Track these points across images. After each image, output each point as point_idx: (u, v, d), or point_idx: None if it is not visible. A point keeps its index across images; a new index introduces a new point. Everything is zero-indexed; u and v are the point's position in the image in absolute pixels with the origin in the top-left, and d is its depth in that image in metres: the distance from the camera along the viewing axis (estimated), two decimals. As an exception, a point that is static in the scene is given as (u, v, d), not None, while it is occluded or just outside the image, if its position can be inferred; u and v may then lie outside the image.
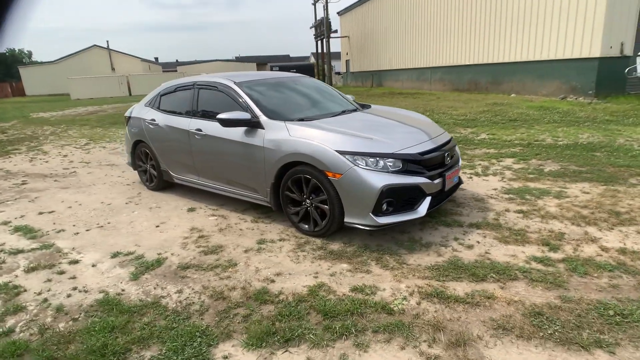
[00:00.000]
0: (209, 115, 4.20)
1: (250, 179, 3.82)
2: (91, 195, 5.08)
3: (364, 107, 4.53)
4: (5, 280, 3.00)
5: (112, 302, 2.63)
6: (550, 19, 12.18)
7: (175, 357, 2.09)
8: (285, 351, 2.13)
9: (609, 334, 2.10)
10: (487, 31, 15.08)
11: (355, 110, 4.28)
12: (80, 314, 2.54)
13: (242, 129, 3.79)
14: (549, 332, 2.14)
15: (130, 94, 33.19)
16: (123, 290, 2.79)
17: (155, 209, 4.46)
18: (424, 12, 19.46)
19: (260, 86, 4.18)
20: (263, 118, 3.69)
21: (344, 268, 2.92)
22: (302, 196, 3.44)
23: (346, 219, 3.18)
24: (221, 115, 3.68)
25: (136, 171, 5.45)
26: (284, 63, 35.09)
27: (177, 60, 77.97)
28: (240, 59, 65.20)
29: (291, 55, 76.72)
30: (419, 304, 2.46)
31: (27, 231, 3.95)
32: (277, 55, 74.98)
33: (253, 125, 3.69)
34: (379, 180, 3.02)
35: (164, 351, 2.15)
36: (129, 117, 5.29)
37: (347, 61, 31.69)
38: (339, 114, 4.06)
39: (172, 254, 3.30)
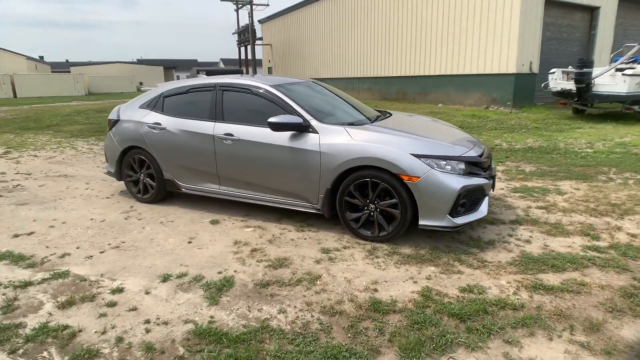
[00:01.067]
0: (242, 119, 3.85)
1: (299, 186, 3.59)
2: (69, 212, 4.25)
3: (385, 113, 4.58)
4: (40, 320, 2.37)
5: (211, 332, 2.24)
6: (471, 40, 13.71)
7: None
8: (448, 358, 2.05)
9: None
10: (415, 47, 16.35)
11: (390, 115, 4.32)
12: (180, 349, 2.12)
13: (287, 133, 3.56)
14: (656, 309, 2.41)
15: (15, 96, 28.51)
16: (212, 317, 2.40)
17: (169, 223, 3.92)
18: (352, 26, 20.34)
19: (294, 90, 3.97)
20: (314, 122, 3.51)
21: (434, 271, 2.92)
22: (365, 201, 3.35)
23: (421, 222, 3.18)
24: (273, 119, 3.41)
25: (122, 182, 4.73)
26: (211, 68, 33.41)
27: (67, 60, 69.65)
28: (143, 62, 60.64)
29: (199, 60, 73.76)
30: (531, 297, 2.57)
31: (15, 258, 3.16)
32: (184, 59, 71.48)
33: (303, 129, 3.49)
34: (457, 182, 3.09)
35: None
36: (116, 120, 4.58)
37: (269, 68, 31.57)
38: (384, 118, 4.09)
39: (235, 272, 2.94)
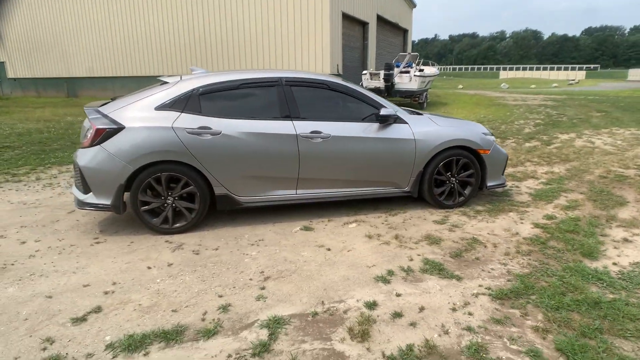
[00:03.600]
0: (323, 115, 3.78)
1: (391, 173, 3.94)
2: (138, 262, 3.00)
3: None
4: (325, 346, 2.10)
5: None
6: (300, 44, 15.27)
7: None
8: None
9: None
10: (239, 55, 16.53)
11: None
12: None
13: (375, 125, 3.85)
14: None
15: None
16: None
17: (273, 247, 3.44)
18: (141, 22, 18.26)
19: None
20: (401, 112, 3.94)
21: (515, 215, 4.04)
22: (448, 176, 4.09)
23: (489, 184, 4.21)
24: (384, 112, 3.68)
25: (127, 213, 3.53)
26: None
27: None
28: None
29: None
30: (565, 213, 4.07)
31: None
32: None
33: (397, 120, 3.87)
34: (503, 149, 4.30)
35: None
36: (115, 129, 3.39)
37: (1, 63, 23.95)
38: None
39: (423, 256, 3.18)
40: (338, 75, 15.36)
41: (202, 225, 3.75)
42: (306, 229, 3.72)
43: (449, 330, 2.23)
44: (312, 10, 14.62)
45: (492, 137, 4.26)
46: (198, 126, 3.50)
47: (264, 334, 2.21)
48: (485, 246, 3.31)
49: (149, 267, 2.99)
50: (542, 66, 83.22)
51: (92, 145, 3.38)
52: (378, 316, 2.36)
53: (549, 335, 2.17)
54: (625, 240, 3.38)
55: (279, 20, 15.12)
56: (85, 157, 3.39)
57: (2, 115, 12.35)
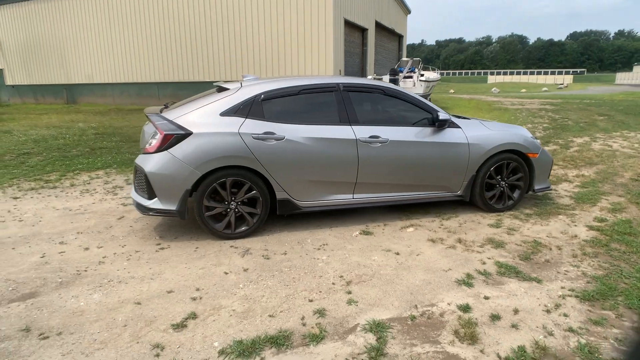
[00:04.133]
0: (379, 120, 3.86)
1: (445, 177, 3.99)
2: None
3: None
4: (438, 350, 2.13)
5: (586, 291, 2.69)
6: (303, 50, 15.32)
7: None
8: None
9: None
10: (242, 60, 16.51)
11: None
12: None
13: (429, 130, 3.91)
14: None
15: None
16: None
17: (340, 251, 3.46)
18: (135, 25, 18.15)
19: None
20: (453, 118, 4.01)
21: (565, 218, 4.12)
22: (498, 180, 4.16)
23: (536, 187, 4.29)
24: (443, 117, 3.77)
25: (187, 219, 3.52)
26: None
27: None
28: None
29: None
30: (613, 215, 4.17)
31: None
32: None
33: (451, 124, 3.94)
34: (549, 154, 4.39)
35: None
36: (183, 135, 3.39)
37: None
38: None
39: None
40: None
41: (261, 230, 3.75)
42: (365, 233, 3.74)
43: (553, 332, 2.27)
44: (315, 17, 14.72)
45: (538, 141, 4.35)
46: (263, 132, 3.52)
47: (371, 338, 2.23)
48: (550, 249, 3.37)
49: (226, 273, 2.98)
50: (529, 70, 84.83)
51: (158, 150, 3.36)
52: (477, 319, 2.40)
53: (650, 334, 2.23)
54: (681, 241, 3.48)
55: (282, 27, 15.16)
56: (151, 162, 3.37)
57: (8, 122, 12.13)
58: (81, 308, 2.51)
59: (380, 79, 14.55)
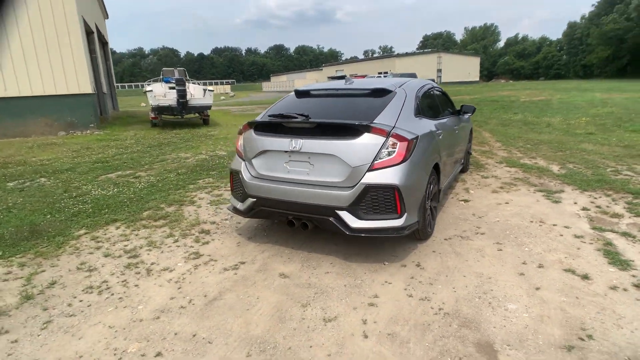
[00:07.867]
0: (443, 114, 4.42)
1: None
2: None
3: None
4: None
5: None
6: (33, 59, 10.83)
7: None
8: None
9: None
10: None
11: None
12: None
13: (455, 118, 4.85)
14: None
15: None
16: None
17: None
18: None
19: None
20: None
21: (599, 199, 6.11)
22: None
23: None
24: (464, 109, 4.96)
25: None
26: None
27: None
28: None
29: None
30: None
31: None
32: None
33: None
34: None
35: None
36: (416, 136, 3.14)
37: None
38: None
39: None
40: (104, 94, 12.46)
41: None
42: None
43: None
44: (60, 20, 11.15)
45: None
46: (436, 128, 3.72)
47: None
48: None
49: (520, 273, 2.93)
50: (192, 80, 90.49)
51: (403, 161, 2.86)
52: None
53: None
54: None
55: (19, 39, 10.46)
56: (397, 175, 2.82)
57: None
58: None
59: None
